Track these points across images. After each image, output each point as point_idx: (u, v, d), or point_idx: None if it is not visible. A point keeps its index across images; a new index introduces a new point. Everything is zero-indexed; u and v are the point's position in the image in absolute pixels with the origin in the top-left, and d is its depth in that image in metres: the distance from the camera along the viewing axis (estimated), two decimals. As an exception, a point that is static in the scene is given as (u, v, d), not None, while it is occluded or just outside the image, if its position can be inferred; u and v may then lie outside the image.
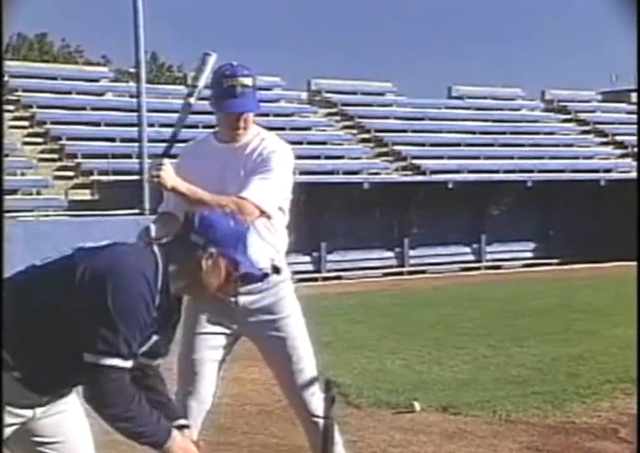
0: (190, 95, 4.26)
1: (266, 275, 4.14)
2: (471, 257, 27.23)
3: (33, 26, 51.23)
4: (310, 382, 4.23)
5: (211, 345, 4.21)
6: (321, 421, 4.16)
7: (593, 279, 18.69)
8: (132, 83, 25.95)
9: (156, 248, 3.22)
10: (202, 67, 4.30)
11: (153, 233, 3.76)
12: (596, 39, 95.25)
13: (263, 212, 4.02)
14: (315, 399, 4.23)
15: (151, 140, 22.53)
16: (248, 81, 4.09)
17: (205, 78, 4.37)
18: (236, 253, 3.19)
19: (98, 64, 45.22)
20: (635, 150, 30.86)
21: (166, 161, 4.05)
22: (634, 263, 16.50)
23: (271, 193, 4.03)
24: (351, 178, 26.37)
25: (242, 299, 4.16)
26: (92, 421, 6.71)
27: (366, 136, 30.41)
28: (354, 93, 32.20)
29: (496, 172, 28.72)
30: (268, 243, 4.16)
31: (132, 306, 3.03)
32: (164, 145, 4.28)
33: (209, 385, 4.21)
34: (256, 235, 3.42)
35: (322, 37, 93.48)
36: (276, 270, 4.20)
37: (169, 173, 3.99)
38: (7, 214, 14.97)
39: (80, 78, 30.10)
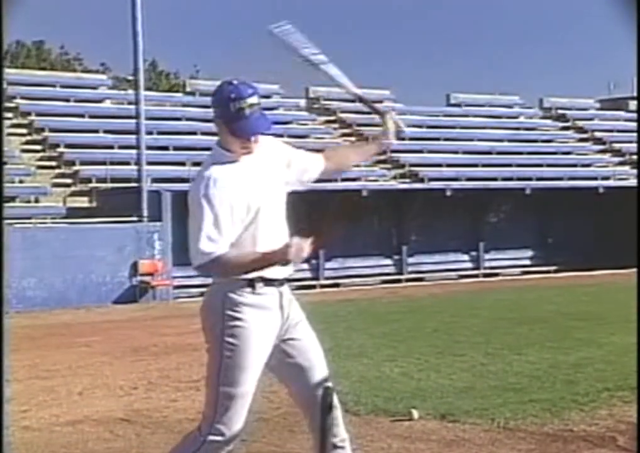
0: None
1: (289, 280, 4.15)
2: (469, 265, 27.25)
3: (31, 33, 51.35)
4: (325, 379, 4.22)
5: (255, 376, 4.11)
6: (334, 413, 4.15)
7: (591, 287, 18.68)
8: (130, 91, 25.97)
9: None
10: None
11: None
12: (594, 47, 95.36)
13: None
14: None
15: (149, 147, 22.55)
16: (254, 100, 4.04)
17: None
18: None
19: (96, 71, 45.27)
20: (634, 157, 30.91)
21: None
22: (633, 270, 16.52)
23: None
24: (349, 185, 26.39)
25: (285, 305, 4.14)
26: (90, 429, 6.72)
27: (364, 143, 30.42)
28: (353, 100, 32.04)
29: (495, 179, 28.74)
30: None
31: None
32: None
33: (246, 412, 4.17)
34: None
35: (320, 44, 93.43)
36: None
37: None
38: (5, 222, 14.96)
39: (79, 86, 30.14)
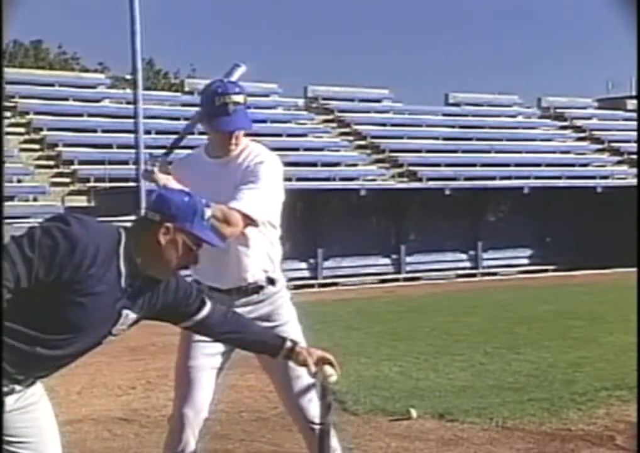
0: None
1: (261, 287, 4.18)
2: (467, 264, 27.23)
3: (29, 32, 51.33)
4: (307, 389, 4.22)
5: (208, 352, 4.20)
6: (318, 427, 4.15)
7: (589, 286, 18.69)
8: (129, 90, 25.98)
9: (122, 229, 3.29)
10: (228, 77, 4.32)
11: None
12: (593, 46, 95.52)
13: (251, 222, 4.02)
14: (312, 406, 4.23)
15: (147, 147, 22.53)
16: (239, 98, 4.11)
17: None
18: (192, 227, 3.25)
19: (95, 71, 45.22)
20: (632, 156, 30.93)
21: (163, 160, 4.16)
22: (631, 269, 16.51)
23: (260, 202, 4.03)
24: (347, 185, 26.38)
25: (239, 311, 4.16)
26: (89, 429, 6.72)
27: (362, 142, 30.43)
28: (351, 100, 32.23)
29: (493, 178, 28.74)
30: (266, 255, 4.19)
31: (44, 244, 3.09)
32: (160, 151, 4.31)
33: (206, 393, 4.20)
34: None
35: (319, 44, 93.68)
36: (271, 281, 4.22)
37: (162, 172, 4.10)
38: (3, 221, 14.90)
39: (77, 85, 30.12)
